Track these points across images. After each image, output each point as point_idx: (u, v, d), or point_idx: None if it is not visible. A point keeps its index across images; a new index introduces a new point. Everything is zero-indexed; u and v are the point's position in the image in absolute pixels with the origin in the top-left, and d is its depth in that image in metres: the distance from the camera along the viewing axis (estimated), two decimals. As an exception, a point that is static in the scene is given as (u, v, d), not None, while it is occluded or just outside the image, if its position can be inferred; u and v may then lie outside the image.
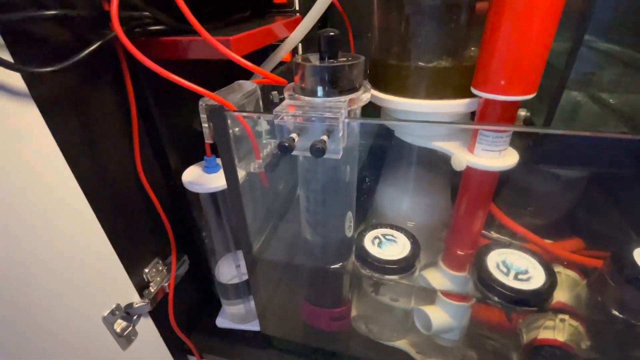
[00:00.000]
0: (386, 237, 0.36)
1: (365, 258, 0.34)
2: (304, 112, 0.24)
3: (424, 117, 0.32)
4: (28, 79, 0.24)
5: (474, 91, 0.28)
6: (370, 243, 0.35)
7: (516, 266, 0.32)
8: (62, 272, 0.29)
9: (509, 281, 0.31)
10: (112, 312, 0.34)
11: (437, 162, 0.40)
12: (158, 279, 0.40)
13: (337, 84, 0.25)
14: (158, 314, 0.40)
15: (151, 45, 0.30)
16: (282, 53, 0.41)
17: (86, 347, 0.32)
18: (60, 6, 0.24)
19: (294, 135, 0.24)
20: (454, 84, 0.30)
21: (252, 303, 0.50)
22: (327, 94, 0.25)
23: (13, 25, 0.23)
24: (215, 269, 0.48)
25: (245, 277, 0.48)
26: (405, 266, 0.33)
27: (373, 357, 0.43)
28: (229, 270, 0.48)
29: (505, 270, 0.32)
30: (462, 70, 0.30)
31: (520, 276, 0.31)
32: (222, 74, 0.41)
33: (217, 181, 0.37)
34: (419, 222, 0.40)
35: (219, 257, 0.47)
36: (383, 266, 0.33)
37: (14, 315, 0.26)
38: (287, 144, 0.22)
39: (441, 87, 0.30)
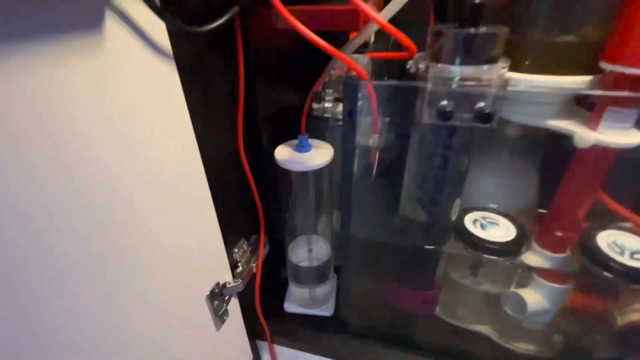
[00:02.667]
0: (486, 220, 0.36)
1: (471, 239, 0.33)
2: (453, 81, 0.23)
3: (540, 94, 0.31)
4: (172, 38, 0.23)
5: (605, 65, 0.28)
6: (472, 225, 0.35)
7: (629, 246, 0.32)
8: (177, 241, 0.28)
9: (626, 260, 0.30)
10: (213, 291, 0.33)
11: (528, 145, 0.39)
12: (244, 260, 0.40)
13: (484, 52, 0.24)
14: (243, 295, 0.40)
15: (271, 14, 0.29)
16: (366, 34, 0.41)
17: (187, 325, 0.32)
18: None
19: (445, 102, 0.23)
20: (576, 59, 0.30)
21: (320, 289, 0.50)
22: (476, 62, 0.25)
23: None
24: (289, 249, 0.47)
25: (316, 262, 0.48)
26: (513, 249, 0.33)
27: (452, 341, 0.43)
28: (302, 252, 0.47)
29: (618, 250, 0.32)
30: (584, 46, 0.29)
31: (635, 255, 0.31)
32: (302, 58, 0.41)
33: (313, 159, 0.36)
34: (507, 205, 0.40)
35: (294, 238, 0.47)
36: (491, 248, 0.33)
37: (127, 289, 0.25)
38: (449, 109, 0.22)
39: (562, 63, 0.30)
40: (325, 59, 0.32)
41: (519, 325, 0.41)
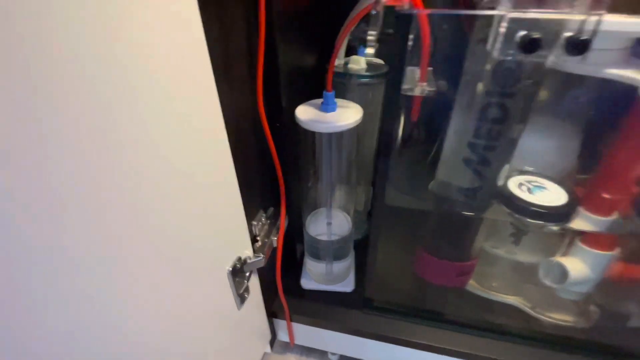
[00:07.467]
0: (532, 183, 0.33)
1: (519, 204, 0.30)
2: (542, 10, 0.19)
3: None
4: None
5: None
6: (518, 189, 0.32)
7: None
8: (199, 207, 0.24)
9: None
10: (234, 267, 0.30)
11: (568, 105, 0.36)
12: (262, 233, 0.36)
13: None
14: (262, 272, 0.36)
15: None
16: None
17: (209, 305, 0.28)
18: None
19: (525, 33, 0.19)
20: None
21: (339, 265, 0.47)
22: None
23: None
24: (307, 222, 0.44)
25: (335, 237, 0.45)
26: (565, 213, 0.30)
27: (483, 314, 0.41)
28: (321, 226, 0.44)
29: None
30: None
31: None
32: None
33: (341, 119, 0.32)
34: (546, 167, 0.37)
35: (312, 210, 0.43)
36: (543, 212, 0.30)
37: (152, 255, 0.21)
38: (538, 37, 0.18)
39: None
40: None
41: (554, 296, 0.39)
